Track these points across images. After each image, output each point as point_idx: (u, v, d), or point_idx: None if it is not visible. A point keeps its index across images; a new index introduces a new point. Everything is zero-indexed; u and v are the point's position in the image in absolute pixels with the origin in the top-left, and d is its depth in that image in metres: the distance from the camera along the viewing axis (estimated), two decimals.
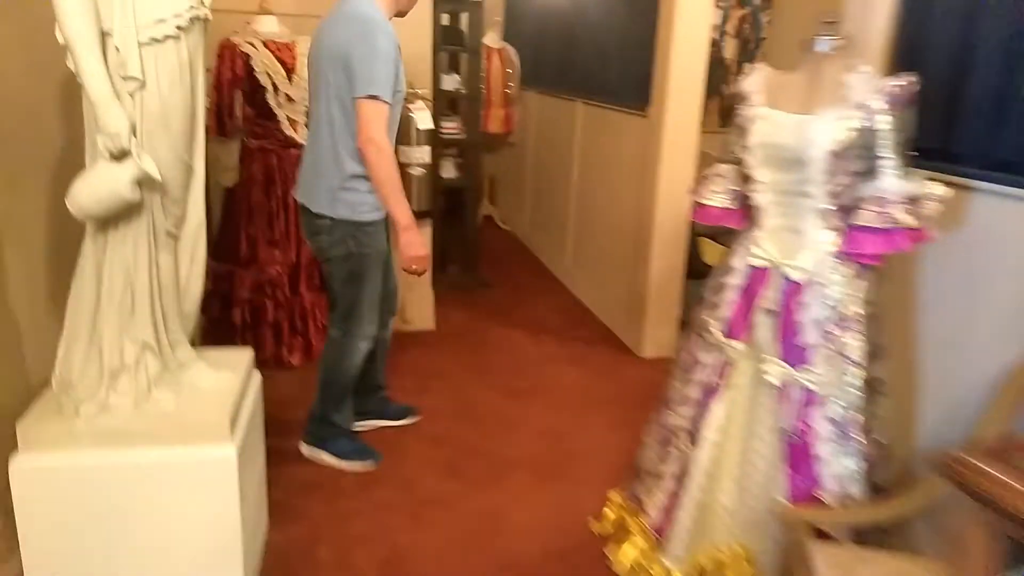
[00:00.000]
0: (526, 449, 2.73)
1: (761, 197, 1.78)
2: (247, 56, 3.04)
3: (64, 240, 1.66)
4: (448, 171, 4.48)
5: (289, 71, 3.13)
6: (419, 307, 3.79)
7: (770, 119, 1.73)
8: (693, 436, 1.93)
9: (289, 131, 3.17)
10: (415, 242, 2.23)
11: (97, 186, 1.49)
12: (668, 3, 3.27)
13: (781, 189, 1.75)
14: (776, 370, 1.77)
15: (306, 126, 3.25)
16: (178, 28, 1.53)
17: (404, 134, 3.44)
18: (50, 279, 1.94)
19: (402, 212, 2.20)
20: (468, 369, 3.37)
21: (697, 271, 3.82)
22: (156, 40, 1.50)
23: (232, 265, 3.19)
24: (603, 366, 3.47)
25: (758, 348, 1.83)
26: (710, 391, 1.90)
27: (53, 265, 1.95)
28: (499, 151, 6.17)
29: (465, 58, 4.47)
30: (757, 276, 1.82)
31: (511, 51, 5.50)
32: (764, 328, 1.81)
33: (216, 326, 3.20)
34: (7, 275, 1.79)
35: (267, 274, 3.18)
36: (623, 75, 3.78)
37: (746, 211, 1.87)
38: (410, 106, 3.41)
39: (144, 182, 1.53)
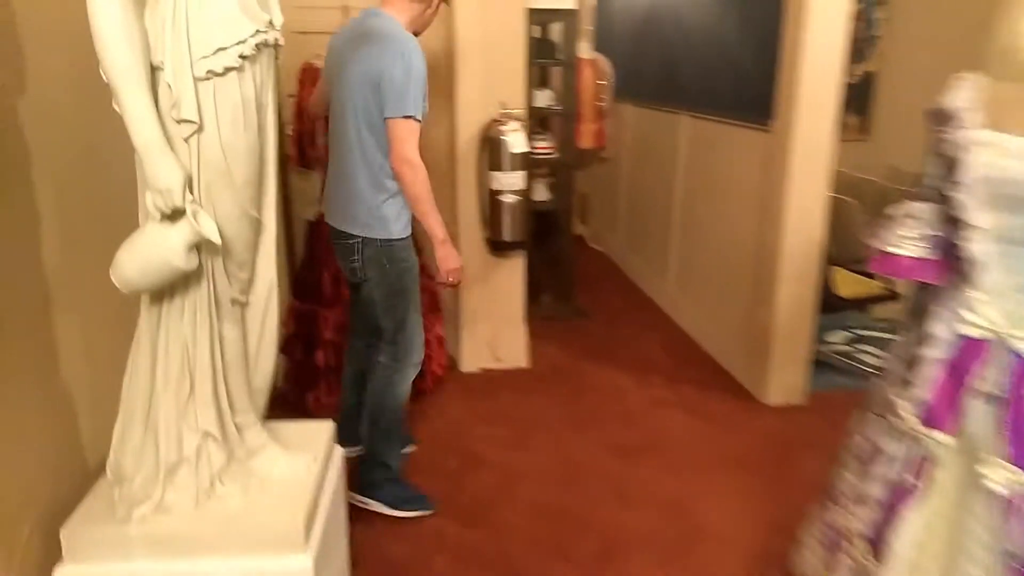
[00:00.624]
0: (644, 522, 2.33)
1: (978, 247, 1.34)
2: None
3: (128, 303, 1.41)
4: (539, 193, 4.13)
5: None
6: (511, 343, 3.46)
7: (997, 145, 1.29)
8: (876, 547, 1.50)
9: None
10: (451, 255, 2.23)
11: (145, 254, 1.21)
12: (797, 1, 2.83)
13: (1011, 237, 1.31)
14: (1002, 475, 1.33)
15: None
16: (242, 58, 1.24)
17: (496, 158, 3.12)
18: (112, 346, 1.70)
19: (438, 226, 2.18)
20: (568, 418, 3.00)
21: (829, 304, 3.34)
22: (215, 74, 1.21)
23: (315, 304, 2.94)
24: (722, 415, 3.04)
25: (972, 443, 1.38)
26: (902, 493, 1.46)
27: (115, 331, 1.71)
28: (590, 167, 5.80)
29: (558, 72, 4.13)
30: (971, 349, 1.37)
31: (604, 62, 5.12)
32: (982, 418, 1.36)
33: (299, 369, 2.95)
34: (60, 344, 1.55)
35: None
36: (739, 85, 3.34)
37: (951, 263, 1.43)
38: (503, 127, 3.09)
39: (202, 246, 1.25)
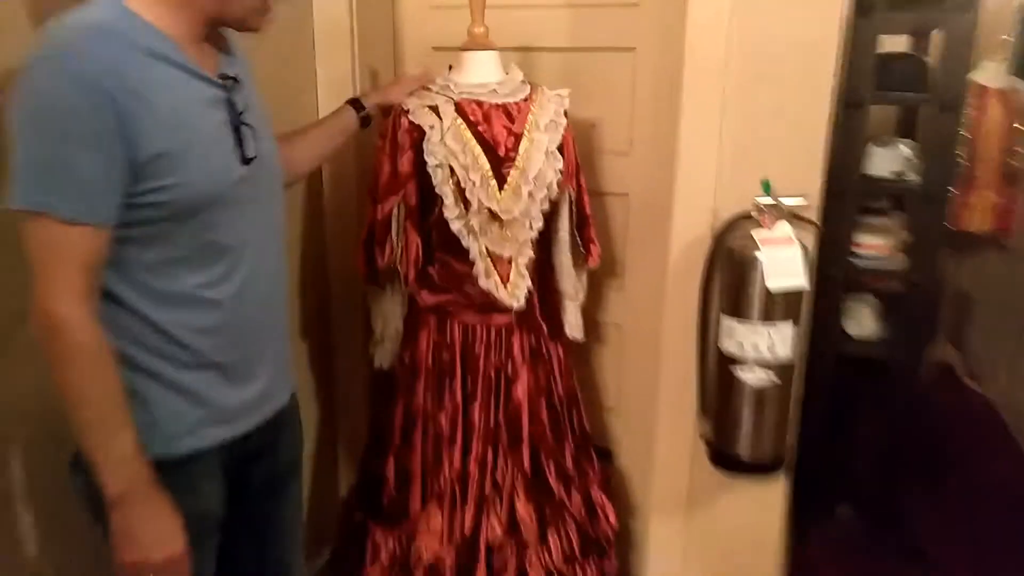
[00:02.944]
0: None
1: None
2: (420, 134, 1.51)
3: None
4: (861, 323, 2.30)
5: (501, 161, 1.50)
6: None
7: None
8: None
9: (488, 280, 1.54)
10: (129, 532, 0.94)
11: None
12: None
13: None
14: None
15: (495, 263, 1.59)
16: None
17: (737, 293, 1.51)
18: None
19: (108, 464, 0.92)
20: None
21: None
22: None
23: (367, 514, 1.68)
24: None
25: None
26: None
27: None
28: (975, 256, 3.61)
29: (930, 112, 2.26)
30: None
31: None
32: None
33: None
34: None
35: (418, 550, 1.60)
36: None
37: None
38: (758, 234, 1.47)
39: None
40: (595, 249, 1.69)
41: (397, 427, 1.63)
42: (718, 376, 1.57)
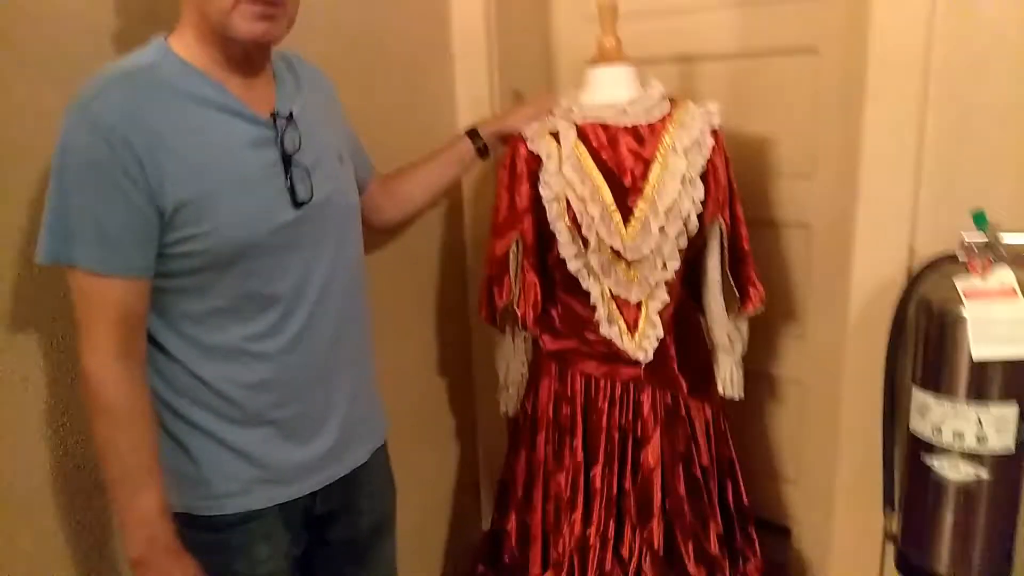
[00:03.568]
0: None
1: None
2: (538, 164, 1.37)
3: None
4: None
5: (627, 192, 1.30)
6: None
7: None
8: None
9: (611, 328, 1.35)
10: None
11: None
12: None
13: None
14: None
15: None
16: None
17: (936, 364, 1.14)
18: None
19: (129, 522, 0.89)
20: None
21: None
22: None
23: (489, 567, 1.56)
24: None
25: None
26: None
27: None
28: None
29: None
30: None
31: None
32: None
33: None
34: None
35: None
36: None
37: None
38: (968, 284, 1.10)
39: None
40: (755, 292, 1.40)
41: (519, 480, 1.50)
42: (908, 464, 1.21)
